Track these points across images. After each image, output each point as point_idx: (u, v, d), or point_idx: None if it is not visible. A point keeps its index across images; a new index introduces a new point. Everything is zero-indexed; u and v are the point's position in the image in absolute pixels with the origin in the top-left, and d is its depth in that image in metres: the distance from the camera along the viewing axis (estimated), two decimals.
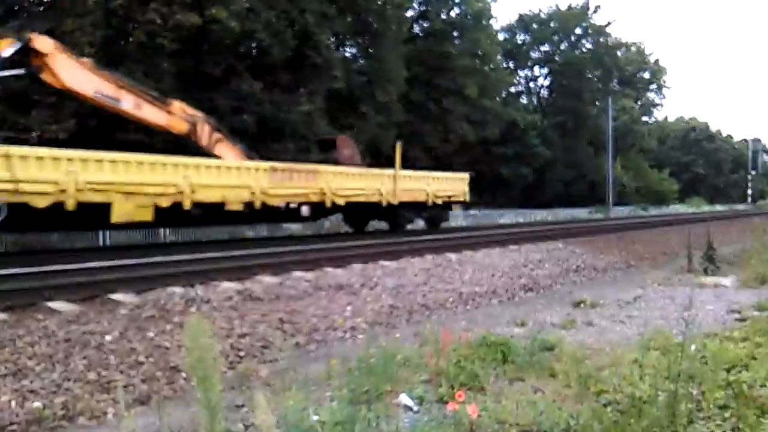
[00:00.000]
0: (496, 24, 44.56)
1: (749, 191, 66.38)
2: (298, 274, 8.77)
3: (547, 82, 51.03)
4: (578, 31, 48.25)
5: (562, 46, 48.70)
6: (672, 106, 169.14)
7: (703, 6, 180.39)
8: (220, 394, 2.85)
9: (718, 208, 54.66)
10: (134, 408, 4.30)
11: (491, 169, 40.62)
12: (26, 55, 11.06)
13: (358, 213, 17.36)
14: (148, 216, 11.17)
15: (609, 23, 57.09)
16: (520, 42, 49.17)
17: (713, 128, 78.93)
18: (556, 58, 48.14)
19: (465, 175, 20.11)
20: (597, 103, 48.72)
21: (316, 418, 3.40)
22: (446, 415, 3.39)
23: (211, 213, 12.48)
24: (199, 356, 2.83)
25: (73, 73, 11.53)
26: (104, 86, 11.97)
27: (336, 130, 23.85)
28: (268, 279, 8.31)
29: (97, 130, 16.27)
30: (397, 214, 17.19)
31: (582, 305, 7.98)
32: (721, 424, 3.34)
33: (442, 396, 3.88)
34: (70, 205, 10.07)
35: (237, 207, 12.72)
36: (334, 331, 6.66)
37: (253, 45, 22.13)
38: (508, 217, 32.36)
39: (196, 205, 11.93)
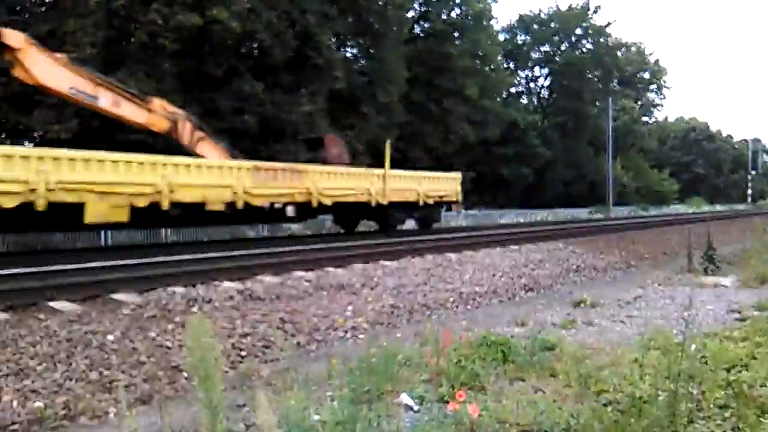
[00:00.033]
0: (497, 25, 44.69)
1: (749, 191, 66.39)
2: (299, 273, 8.79)
3: (547, 83, 51.15)
4: (578, 31, 48.27)
5: (563, 47, 48.73)
6: (672, 106, 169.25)
7: (703, 6, 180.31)
8: (221, 393, 2.87)
9: (718, 208, 54.64)
10: (136, 407, 4.31)
11: (492, 169, 40.66)
12: None
13: (347, 213, 17.10)
14: (124, 216, 10.79)
15: (609, 23, 57.16)
16: (520, 42, 49.21)
17: (713, 128, 79.10)
18: (557, 59, 48.16)
19: (457, 175, 19.76)
20: (597, 103, 48.76)
21: (317, 417, 3.41)
22: (447, 414, 3.40)
23: (192, 213, 12.16)
24: (201, 356, 2.85)
25: (47, 69, 11.19)
26: (80, 83, 11.62)
27: (337, 130, 23.86)
28: (269, 279, 8.32)
29: (99, 131, 16.30)
30: (387, 214, 16.87)
31: (582, 305, 8.00)
32: (721, 423, 3.35)
33: (443, 396, 3.89)
34: (41, 205, 9.74)
35: (218, 207, 12.38)
36: (335, 331, 6.67)
37: (255, 45, 22.18)
38: (509, 217, 32.37)
39: (175, 205, 11.59)
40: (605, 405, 3.60)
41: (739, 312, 7.08)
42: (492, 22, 38.89)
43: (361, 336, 6.59)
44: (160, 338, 5.66)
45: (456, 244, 13.11)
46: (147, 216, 11.39)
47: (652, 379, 3.81)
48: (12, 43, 10.79)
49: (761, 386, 3.80)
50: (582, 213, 39.30)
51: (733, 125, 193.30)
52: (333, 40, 25.18)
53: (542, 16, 48.54)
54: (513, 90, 48.59)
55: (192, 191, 11.89)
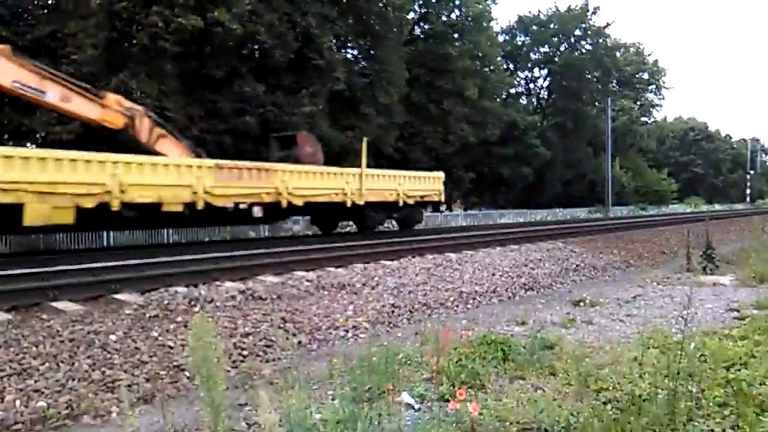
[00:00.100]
0: (496, 26, 44.80)
1: (748, 191, 66.47)
2: (300, 273, 8.81)
3: (546, 83, 51.18)
4: (577, 32, 48.29)
5: (562, 48, 48.75)
6: (671, 106, 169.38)
7: (702, 6, 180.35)
8: (223, 392, 2.90)
9: (717, 207, 54.68)
10: (138, 407, 4.33)
11: (491, 169, 40.71)
12: None
13: (322, 214, 16.67)
14: (69, 218, 10.24)
15: (608, 24, 56.98)
16: (519, 43, 49.26)
17: (712, 128, 79.19)
18: (556, 60, 48.19)
19: (439, 174, 19.25)
20: (596, 103, 48.83)
21: (318, 416, 3.43)
22: (447, 413, 3.42)
23: (147, 215, 11.58)
24: (203, 355, 2.88)
25: None
26: (24, 76, 10.99)
27: (338, 131, 23.92)
28: (270, 279, 8.34)
29: (102, 132, 16.30)
30: (364, 215, 16.35)
31: (582, 304, 8.03)
32: (720, 421, 3.37)
33: (444, 394, 3.91)
34: None
35: (176, 208, 11.81)
36: (336, 330, 6.70)
37: (256, 47, 22.21)
38: (508, 217, 32.44)
39: (128, 206, 11.03)
40: (605, 403, 3.62)
41: (738, 311, 7.11)
42: (492, 23, 39.02)
43: (362, 335, 6.62)
44: (162, 338, 5.68)
45: (456, 243, 13.13)
46: (96, 218, 10.84)
47: (651, 378, 3.82)
48: None
49: (760, 384, 3.81)
50: (581, 213, 39.37)
51: (731, 125, 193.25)
52: (333, 41, 25.21)
53: (541, 17, 48.64)
54: (512, 91, 48.66)
55: (146, 191, 11.31)
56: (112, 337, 5.51)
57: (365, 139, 17.00)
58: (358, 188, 15.70)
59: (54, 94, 11.48)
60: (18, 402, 4.33)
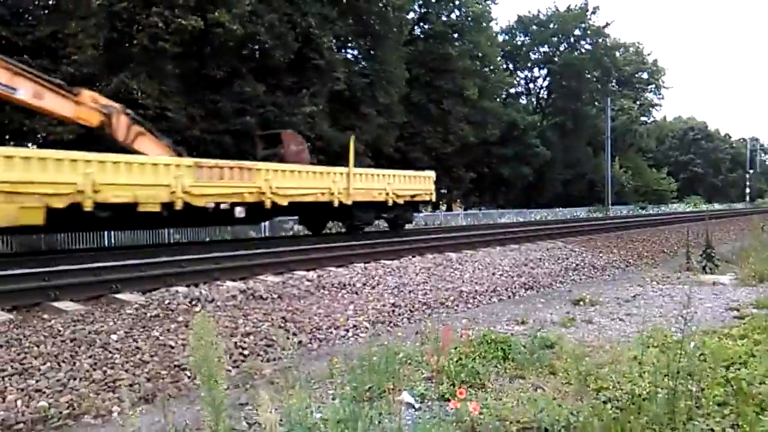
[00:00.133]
0: (496, 26, 44.78)
1: (747, 190, 66.52)
2: (300, 273, 8.83)
3: (546, 83, 51.21)
4: (577, 32, 48.32)
5: (561, 47, 48.77)
6: (670, 105, 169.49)
7: (702, 6, 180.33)
8: (224, 392, 2.91)
9: (717, 207, 54.72)
10: (139, 406, 4.33)
11: (491, 169, 40.74)
12: None
13: (309, 214, 16.42)
14: (38, 219, 9.84)
15: (608, 24, 57.15)
16: (519, 43, 49.29)
17: (711, 127, 79.23)
18: (556, 59, 48.21)
19: (430, 173, 18.87)
20: (596, 103, 48.88)
21: (319, 415, 3.44)
22: (448, 412, 3.43)
23: (122, 215, 11.24)
24: (204, 355, 2.88)
25: None
26: None
27: (338, 131, 23.92)
28: (271, 278, 8.36)
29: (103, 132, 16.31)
30: (352, 215, 16.00)
31: (581, 303, 8.04)
32: (720, 421, 3.37)
33: (444, 393, 3.93)
34: None
35: (153, 208, 11.45)
36: (337, 330, 6.70)
37: (256, 47, 22.22)
38: (508, 216, 32.49)
39: (102, 206, 10.68)
40: (605, 402, 3.63)
41: (738, 310, 7.12)
42: (491, 23, 39.02)
43: (362, 335, 6.62)
44: (163, 337, 5.69)
45: (456, 243, 13.15)
46: (68, 218, 10.54)
47: (651, 377, 3.83)
48: None
49: (760, 383, 3.82)
50: (581, 212, 39.40)
51: (731, 124, 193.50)
52: (333, 41, 25.22)
53: (541, 17, 48.67)
54: (512, 90, 48.70)
55: (120, 191, 10.95)
56: (113, 337, 5.52)
57: (353, 137, 16.75)
58: (346, 188, 15.37)
59: (26, 91, 11.10)
60: (19, 402, 4.34)
